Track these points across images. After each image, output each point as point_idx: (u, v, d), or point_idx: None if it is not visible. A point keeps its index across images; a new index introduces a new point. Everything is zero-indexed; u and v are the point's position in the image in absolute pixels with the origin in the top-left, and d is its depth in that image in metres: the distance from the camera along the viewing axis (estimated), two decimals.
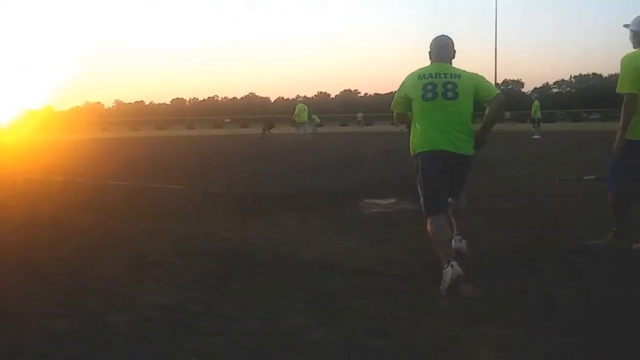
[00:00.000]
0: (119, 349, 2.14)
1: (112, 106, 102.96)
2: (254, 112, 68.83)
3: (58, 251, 3.71)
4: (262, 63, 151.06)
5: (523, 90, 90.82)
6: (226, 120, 61.19)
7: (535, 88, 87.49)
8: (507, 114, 48.36)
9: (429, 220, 2.97)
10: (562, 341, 2.16)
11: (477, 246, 3.67)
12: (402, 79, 3.20)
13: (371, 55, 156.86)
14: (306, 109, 20.31)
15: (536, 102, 20.07)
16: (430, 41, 3.22)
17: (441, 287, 2.69)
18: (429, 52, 3.21)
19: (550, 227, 4.28)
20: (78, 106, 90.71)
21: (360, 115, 43.63)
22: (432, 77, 3.07)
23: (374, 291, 2.77)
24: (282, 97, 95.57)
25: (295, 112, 20.10)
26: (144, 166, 11.06)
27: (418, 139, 3.12)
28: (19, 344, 2.20)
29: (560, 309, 2.51)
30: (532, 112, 19.93)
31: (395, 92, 3.27)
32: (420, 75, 3.12)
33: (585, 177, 6.92)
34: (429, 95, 3.03)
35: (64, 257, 3.54)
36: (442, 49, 3.20)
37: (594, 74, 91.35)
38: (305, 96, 79.21)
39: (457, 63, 3.19)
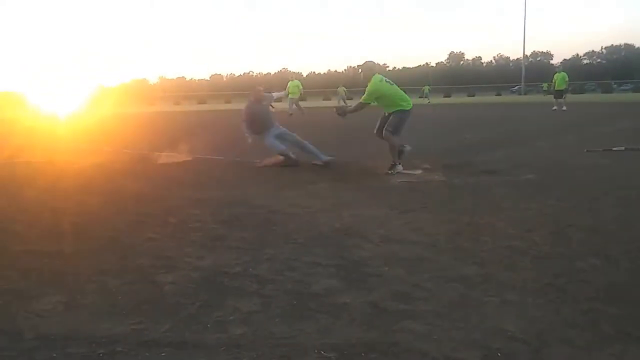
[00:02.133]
0: (166, 305, 2.22)
1: (157, 82, 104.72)
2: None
3: (108, 217, 3.85)
4: (295, 37, 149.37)
5: (552, 62, 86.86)
6: None
7: (565, 60, 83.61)
8: (545, 85, 46.22)
9: (397, 140, 5.66)
10: (590, 308, 2.10)
11: (501, 215, 3.59)
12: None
13: (400, 28, 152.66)
14: (299, 85, 19.78)
15: (562, 74, 18.83)
16: (371, 64, 5.96)
17: (394, 172, 5.54)
18: (373, 69, 5.87)
19: (576, 197, 4.13)
20: (125, 82, 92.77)
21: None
22: (384, 79, 5.78)
23: (400, 258, 2.76)
24: (314, 72, 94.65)
25: (288, 89, 19.18)
26: (186, 138, 11.23)
27: (405, 102, 5.75)
28: (78, 299, 2.31)
29: (587, 276, 2.43)
30: (555, 83, 18.67)
31: (369, 92, 5.74)
32: (380, 79, 5.73)
33: (614, 148, 6.63)
34: (390, 83, 5.82)
35: (113, 222, 3.66)
36: (378, 66, 6.26)
37: (625, 44, 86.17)
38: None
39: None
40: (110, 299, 2.30)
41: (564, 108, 17.81)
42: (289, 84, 19.72)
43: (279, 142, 6.40)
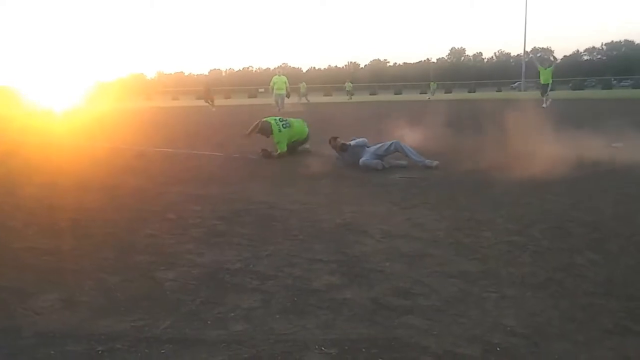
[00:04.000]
0: (166, 301, 2.23)
1: (155, 77, 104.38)
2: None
3: (107, 213, 3.84)
4: (295, 33, 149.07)
5: (552, 58, 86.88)
6: (260, 90, 60.89)
7: (565, 56, 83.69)
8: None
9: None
10: (589, 302, 2.11)
11: (501, 210, 3.60)
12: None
13: (400, 25, 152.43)
14: (286, 81, 18.43)
15: (548, 69, 18.78)
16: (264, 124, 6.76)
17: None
18: (266, 126, 6.78)
19: (576, 193, 4.14)
20: (123, 77, 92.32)
21: (349, 85, 40.92)
22: (280, 123, 6.84)
23: (401, 253, 2.76)
24: (314, 67, 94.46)
25: (271, 84, 18.31)
26: (185, 134, 11.22)
27: (300, 134, 7.03)
28: (77, 296, 2.31)
29: (586, 271, 2.44)
30: (542, 78, 18.64)
31: (279, 141, 6.71)
32: (278, 129, 6.78)
33: (613, 145, 6.63)
34: (284, 125, 6.87)
35: (112, 219, 3.65)
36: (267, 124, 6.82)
37: (626, 40, 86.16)
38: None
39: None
40: (109, 295, 2.31)
41: (548, 103, 17.65)
42: (273, 79, 18.47)
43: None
